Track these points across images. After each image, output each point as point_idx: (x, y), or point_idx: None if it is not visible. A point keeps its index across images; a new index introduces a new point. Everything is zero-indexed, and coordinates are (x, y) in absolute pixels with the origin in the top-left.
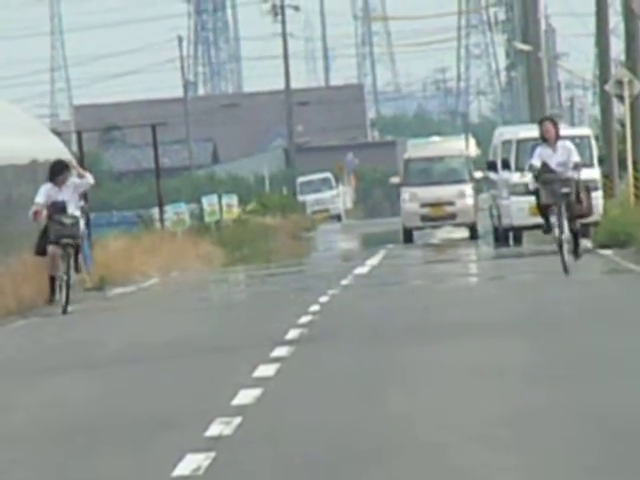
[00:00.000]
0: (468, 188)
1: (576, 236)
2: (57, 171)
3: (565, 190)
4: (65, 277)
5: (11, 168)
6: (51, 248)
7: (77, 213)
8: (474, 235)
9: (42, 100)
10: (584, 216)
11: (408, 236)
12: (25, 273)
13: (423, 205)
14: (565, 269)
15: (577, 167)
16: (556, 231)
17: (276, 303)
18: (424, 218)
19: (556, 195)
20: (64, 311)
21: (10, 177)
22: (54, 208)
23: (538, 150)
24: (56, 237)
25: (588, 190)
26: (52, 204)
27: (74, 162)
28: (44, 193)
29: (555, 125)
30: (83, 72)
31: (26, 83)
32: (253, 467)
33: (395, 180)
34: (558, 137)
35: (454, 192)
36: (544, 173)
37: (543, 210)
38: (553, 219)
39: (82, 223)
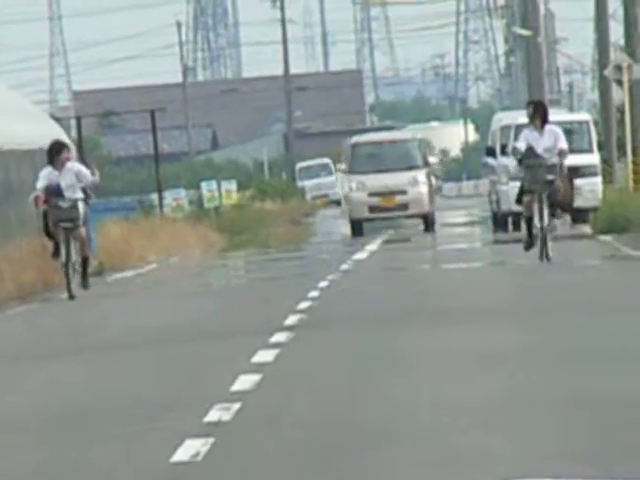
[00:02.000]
0: (421, 175)
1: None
2: (55, 151)
3: (549, 177)
4: (68, 262)
5: (10, 153)
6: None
7: (77, 196)
8: (429, 228)
9: (41, 86)
10: (562, 204)
11: (357, 228)
12: (24, 258)
13: (371, 194)
14: (543, 257)
15: (562, 154)
16: (536, 219)
17: (275, 289)
18: (373, 209)
19: (539, 181)
20: (71, 297)
21: (9, 162)
22: (49, 192)
23: (524, 132)
24: (54, 222)
25: (570, 179)
26: (47, 188)
27: (89, 173)
28: (44, 177)
29: (544, 109)
30: (82, 58)
31: (25, 69)
32: (252, 453)
33: (342, 167)
34: (546, 121)
35: (405, 180)
36: (529, 158)
37: (524, 214)
38: (534, 210)
39: (82, 206)
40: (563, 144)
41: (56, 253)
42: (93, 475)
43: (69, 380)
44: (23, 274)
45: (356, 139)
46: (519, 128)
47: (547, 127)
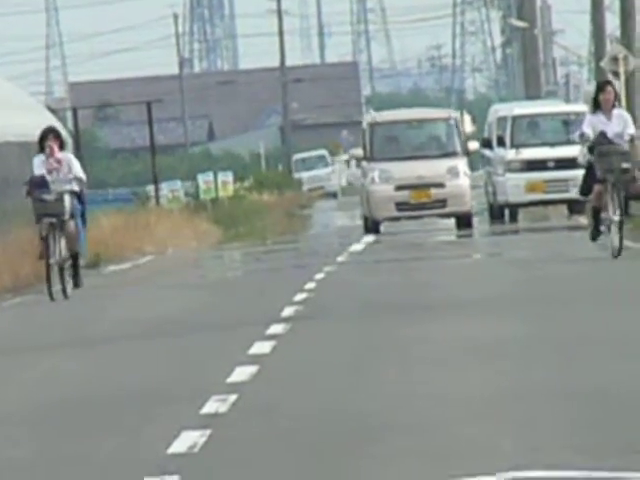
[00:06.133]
0: (462, 164)
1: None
2: (43, 137)
3: (625, 165)
4: (52, 261)
5: (6, 145)
6: (41, 226)
7: (66, 188)
8: (464, 224)
9: (37, 77)
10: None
11: (373, 228)
12: (21, 251)
13: (399, 188)
14: (616, 252)
15: (632, 140)
16: (610, 210)
17: (272, 280)
18: (401, 206)
19: (614, 170)
20: (52, 298)
21: (5, 154)
22: (32, 183)
23: (588, 118)
24: (38, 216)
25: None
26: (30, 179)
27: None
28: (37, 167)
29: (615, 90)
30: (78, 49)
31: (21, 60)
32: (249, 444)
33: (357, 153)
34: (614, 105)
35: (442, 169)
36: (601, 144)
37: (592, 203)
38: (608, 201)
39: (68, 198)
40: (632, 129)
41: (45, 254)
42: (90, 467)
43: (65, 372)
44: (19, 267)
45: (375, 116)
46: (515, 119)
47: (615, 111)
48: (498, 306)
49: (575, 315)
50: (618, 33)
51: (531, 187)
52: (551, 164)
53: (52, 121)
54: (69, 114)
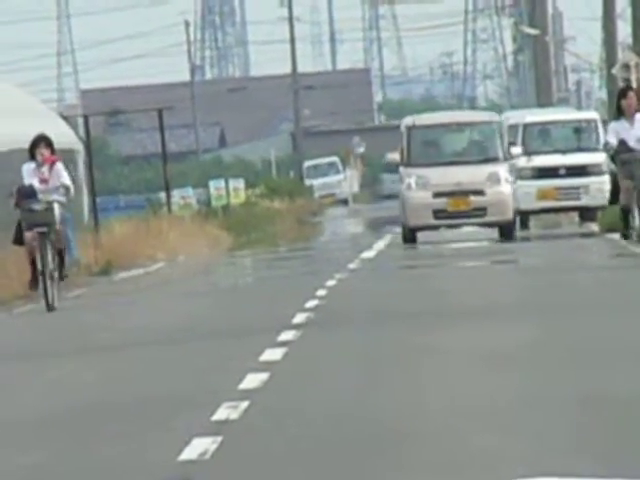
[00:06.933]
0: (503, 170)
1: None
2: (34, 144)
3: None
4: (45, 270)
5: (17, 153)
6: (28, 235)
7: (54, 197)
8: (507, 236)
9: (49, 84)
10: None
11: (409, 237)
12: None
13: (437, 194)
14: None
15: None
16: (637, 218)
17: (283, 287)
18: (438, 214)
19: (636, 177)
20: (49, 308)
21: (16, 162)
22: (21, 193)
23: (612, 125)
24: (28, 226)
25: None
26: (19, 189)
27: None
28: (28, 176)
29: (636, 95)
30: (90, 56)
31: (33, 67)
32: (260, 451)
33: (393, 157)
34: (637, 110)
35: (483, 175)
36: (622, 152)
37: (621, 203)
38: (634, 211)
39: (57, 207)
40: None
41: (34, 285)
42: (101, 473)
43: (76, 379)
44: (30, 273)
45: (413, 120)
46: (527, 127)
47: (638, 116)
48: (511, 314)
49: (588, 323)
50: (630, 40)
51: (542, 194)
52: (562, 171)
53: (64, 128)
54: (80, 121)
